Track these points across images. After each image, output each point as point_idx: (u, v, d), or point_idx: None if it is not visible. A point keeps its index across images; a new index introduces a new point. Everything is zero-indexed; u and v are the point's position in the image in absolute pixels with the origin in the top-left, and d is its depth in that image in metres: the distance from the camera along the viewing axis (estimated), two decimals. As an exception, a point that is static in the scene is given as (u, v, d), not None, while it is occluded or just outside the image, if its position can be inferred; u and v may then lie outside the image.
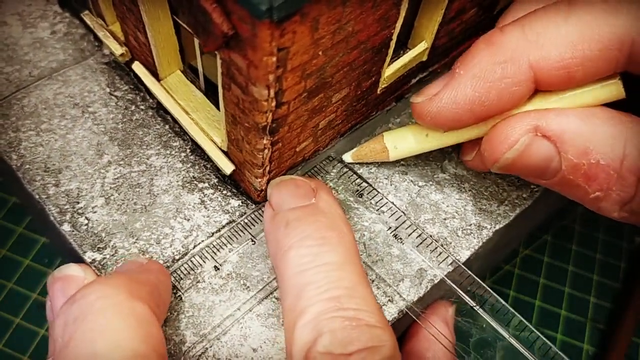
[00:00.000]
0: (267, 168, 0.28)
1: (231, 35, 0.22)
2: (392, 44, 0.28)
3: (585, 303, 0.45)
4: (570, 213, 0.49)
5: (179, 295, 0.27)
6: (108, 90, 0.35)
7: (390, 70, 0.30)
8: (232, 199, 0.31)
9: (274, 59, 0.22)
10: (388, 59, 0.29)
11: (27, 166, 0.31)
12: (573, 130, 0.24)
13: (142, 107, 0.34)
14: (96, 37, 0.36)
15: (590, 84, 0.25)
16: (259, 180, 0.28)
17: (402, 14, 0.26)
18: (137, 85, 0.35)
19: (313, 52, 0.23)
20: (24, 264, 0.44)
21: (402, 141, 0.30)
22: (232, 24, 0.21)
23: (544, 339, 0.27)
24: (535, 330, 0.27)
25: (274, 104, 0.24)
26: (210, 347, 0.26)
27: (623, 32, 0.22)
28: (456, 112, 0.26)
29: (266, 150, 0.27)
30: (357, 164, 0.32)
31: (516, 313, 0.27)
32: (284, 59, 0.22)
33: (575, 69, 0.24)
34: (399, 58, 0.31)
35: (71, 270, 0.27)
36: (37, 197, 0.30)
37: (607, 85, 0.24)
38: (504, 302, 0.28)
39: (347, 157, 0.32)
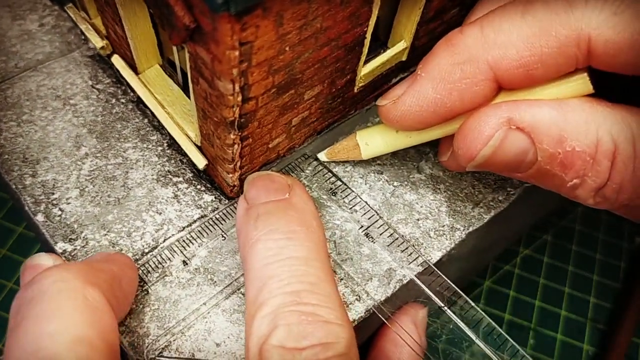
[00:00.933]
0: (238, 163, 0.28)
1: (194, 29, 0.22)
2: (367, 42, 0.28)
3: (585, 303, 0.45)
4: (570, 213, 0.49)
5: (146, 288, 0.27)
6: (90, 83, 0.35)
7: (367, 69, 0.30)
8: (206, 194, 0.31)
9: (237, 53, 0.21)
10: (363, 57, 0.29)
11: (6, 156, 0.32)
12: (546, 119, 0.24)
13: (122, 100, 0.34)
14: (82, 30, 0.37)
15: (557, 80, 0.24)
16: (231, 175, 0.28)
17: (375, 12, 0.26)
18: (119, 78, 0.35)
19: (279, 47, 0.23)
20: (23, 263, 0.44)
21: (373, 139, 0.30)
22: (194, 17, 0.21)
23: (512, 342, 0.27)
24: (503, 333, 0.27)
25: (240, 98, 0.24)
26: (174, 340, 0.26)
27: (579, 29, 0.22)
28: (420, 114, 0.26)
29: (236, 146, 0.27)
30: (332, 162, 0.32)
31: (485, 315, 0.27)
32: (248, 53, 0.22)
33: (534, 67, 0.23)
34: (377, 57, 0.31)
35: (41, 259, 0.27)
36: (13, 187, 0.31)
37: (575, 81, 0.24)
38: (473, 304, 0.27)
39: (322, 156, 0.32)
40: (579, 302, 0.45)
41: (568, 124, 0.24)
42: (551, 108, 0.24)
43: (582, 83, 0.24)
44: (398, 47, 0.31)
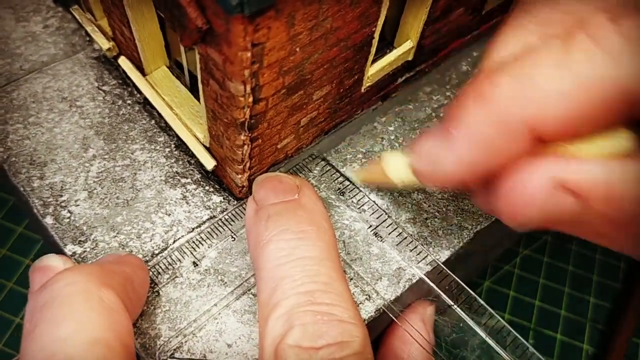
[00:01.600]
0: (248, 164, 0.28)
1: (206, 30, 0.22)
2: (375, 42, 0.28)
3: (585, 303, 0.45)
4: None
5: (157, 290, 0.27)
6: (96, 84, 0.35)
7: (374, 68, 0.30)
8: (214, 194, 0.31)
9: (249, 54, 0.22)
10: (371, 57, 0.29)
11: (14, 159, 0.32)
12: (598, 181, 0.22)
13: (129, 101, 0.34)
14: (87, 32, 0.37)
15: (601, 135, 0.22)
16: (240, 176, 0.29)
17: (384, 12, 0.26)
18: (125, 80, 0.35)
19: (290, 48, 0.23)
20: (24, 263, 0.44)
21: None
22: (206, 18, 0.21)
23: (521, 338, 0.27)
24: (512, 330, 0.27)
25: (251, 99, 0.24)
26: (186, 341, 0.26)
27: (624, 83, 0.20)
28: (458, 175, 0.24)
29: (245, 147, 0.27)
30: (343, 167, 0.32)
31: (494, 312, 0.27)
32: (260, 54, 0.22)
33: (574, 122, 0.21)
34: (384, 56, 0.31)
35: (51, 260, 0.27)
36: (21, 189, 0.31)
37: (620, 136, 0.22)
38: (482, 302, 0.28)
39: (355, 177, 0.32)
40: (578, 302, 0.45)
41: (622, 183, 0.21)
42: (602, 166, 0.22)
43: (627, 139, 0.22)
44: (405, 47, 0.31)
